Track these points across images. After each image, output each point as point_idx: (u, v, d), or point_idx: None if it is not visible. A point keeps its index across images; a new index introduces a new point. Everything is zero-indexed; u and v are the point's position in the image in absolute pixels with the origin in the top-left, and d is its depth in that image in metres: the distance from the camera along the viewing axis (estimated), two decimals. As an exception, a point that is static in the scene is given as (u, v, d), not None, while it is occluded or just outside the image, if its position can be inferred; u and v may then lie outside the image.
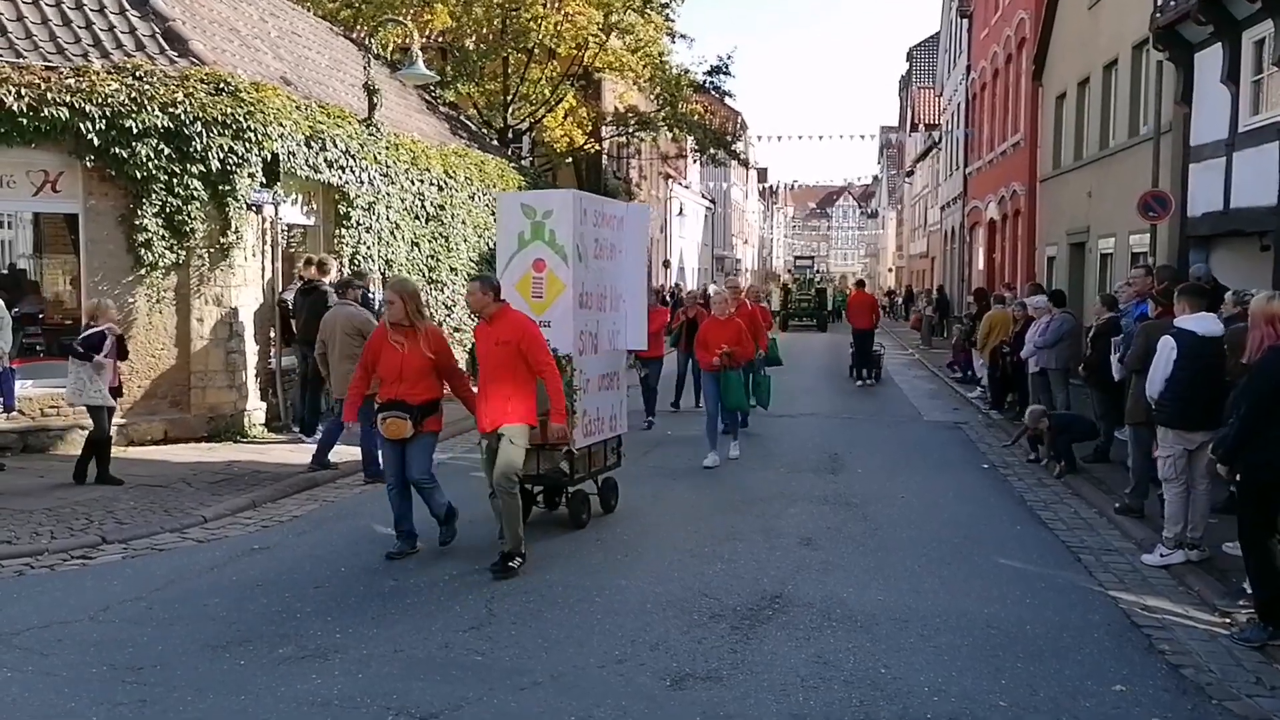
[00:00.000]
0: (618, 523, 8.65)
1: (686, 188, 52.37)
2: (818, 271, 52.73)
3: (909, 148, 60.35)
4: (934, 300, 34.96)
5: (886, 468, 11.45)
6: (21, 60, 10.79)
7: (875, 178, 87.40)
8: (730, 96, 35.11)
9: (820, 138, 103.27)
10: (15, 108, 10.38)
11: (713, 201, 61.34)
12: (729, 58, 31.99)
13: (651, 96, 29.70)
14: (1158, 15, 14.38)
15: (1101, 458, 11.19)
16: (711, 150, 32.19)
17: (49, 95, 10.55)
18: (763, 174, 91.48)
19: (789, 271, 57.40)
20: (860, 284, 28.02)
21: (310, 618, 6.16)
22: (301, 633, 5.91)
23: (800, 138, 78.65)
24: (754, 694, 5.14)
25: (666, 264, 46.05)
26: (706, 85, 31.45)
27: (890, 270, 76.00)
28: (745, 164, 47.92)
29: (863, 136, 68.81)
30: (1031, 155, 24.63)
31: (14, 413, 10.47)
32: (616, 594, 6.72)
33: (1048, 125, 23.04)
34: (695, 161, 43.21)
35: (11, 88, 10.41)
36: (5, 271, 11.93)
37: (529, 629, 6.04)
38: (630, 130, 30.31)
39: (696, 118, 29.99)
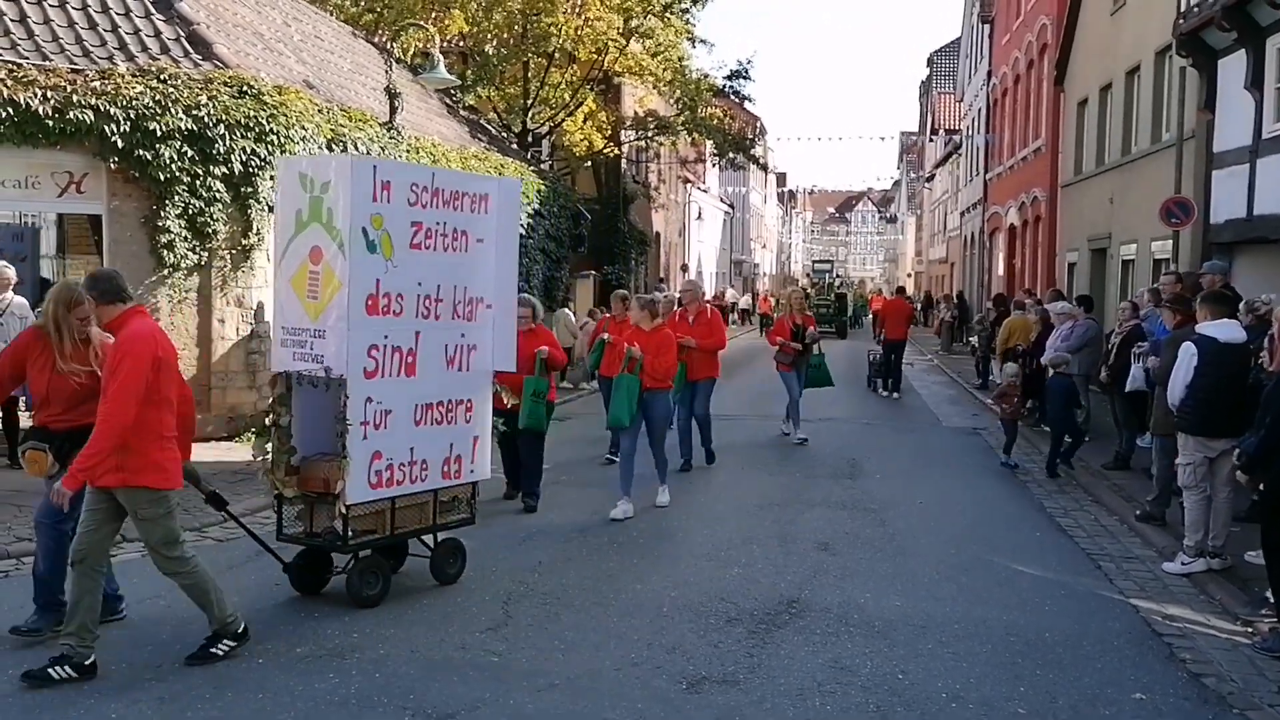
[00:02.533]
0: (634, 527, 8.64)
1: (705, 192, 52.37)
2: (837, 276, 52.57)
3: (929, 153, 60.16)
4: (954, 306, 34.82)
5: (905, 473, 11.40)
6: (48, 63, 10.88)
7: (895, 182, 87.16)
8: (750, 101, 35.15)
9: (840, 139, 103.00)
10: (41, 110, 10.46)
11: (731, 206, 61.30)
12: (749, 62, 32.03)
13: (671, 101, 29.71)
14: (1181, 21, 14.30)
15: (1122, 465, 11.11)
16: (730, 154, 32.16)
17: (74, 98, 10.62)
18: (781, 178, 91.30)
19: (808, 276, 57.27)
20: (900, 290, 27.49)
21: (327, 617, 6.19)
22: (319, 632, 5.94)
23: (820, 139, 78.22)
24: (770, 698, 5.13)
25: (685, 268, 46.04)
26: (726, 90, 31.45)
27: (909, 275, 75.74)
28: (764, 168, 47.87)
29: (882, 139, 68.89)
30: (1053, 161, 24.50)
31: (37, 411, 10.55)
32: (633, 597, 6.72)
33: (1069, 131, 22.93)
34: (714, 165, 43.20)
35: (38, 90, 10.49)
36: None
37: (545, 631, 6.05)
38: (650, 134, 30.33)
39: (716, 122, 30.00)
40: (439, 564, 6.92)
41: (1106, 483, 10.56)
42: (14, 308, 9.88)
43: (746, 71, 31.34)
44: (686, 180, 46.70)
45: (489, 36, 24.21)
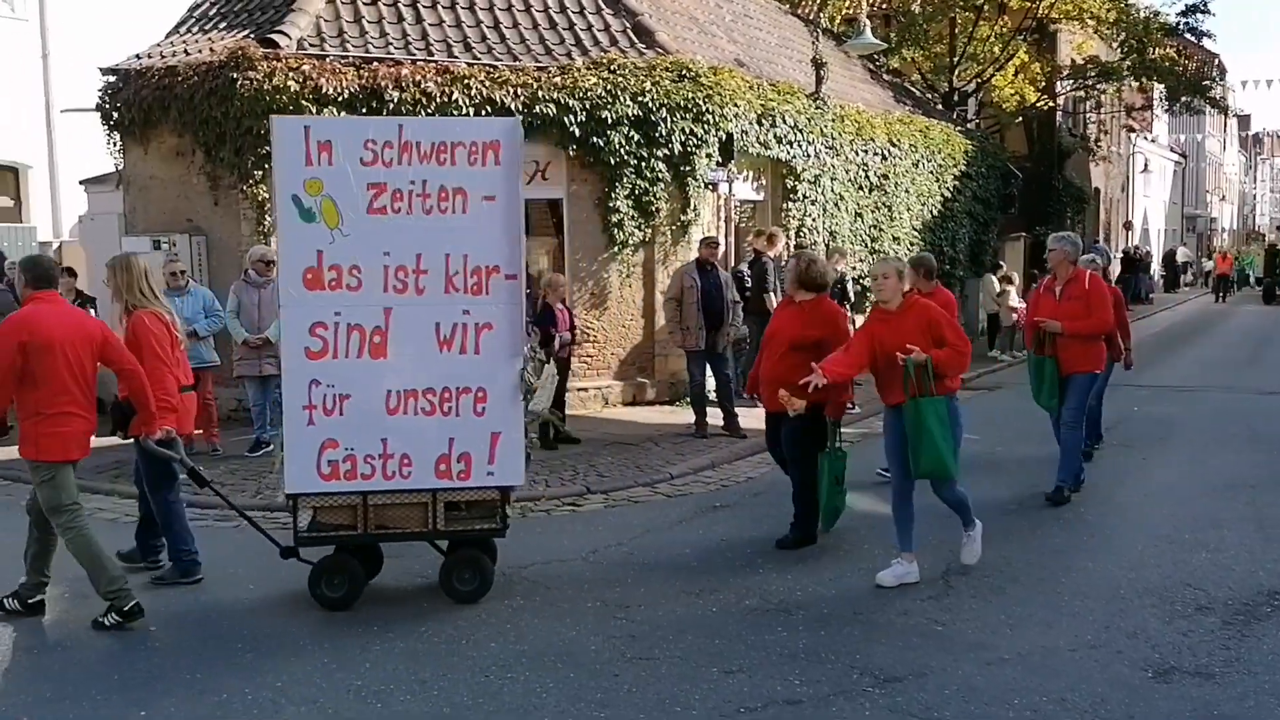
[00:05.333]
0: (1081, 503, 8.15)
1: (1152, 141, 47.71)
2: (1317, 230, 45.59)
3: None
4: None
5: None
6: (518, 63, 12.12)
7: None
8: (1209, 37, 31.40)
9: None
10: (513, 107, 11.61)
11: (1183, 155, 55.38)
12: (1209, -8, 28.47)
13: (1115, 44, 27.38)
14: None
15: None
16: (1184, 99, 29.11)
17: (539, 93, 11.74)
18: (1244, 121, 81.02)
19: (1278, 229, 50.38)
20: None
21: (770, 574, 6.47)
22: (764, 587, 6.22)
23: (1295, 75, 67.15)
24: (1254, 695, 4.68)
25: (1128, 226, 42.33)
26: (1180, 27, 28.38)
27: None
28: (1224, 111, 42.62)
29: (1378, 69, 58.34)
30: None
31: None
32: (1084, 576, 6.39)
33: None
34: (1165, 112, 39.17)
35: (510, 89, 11.69)
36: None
37: (990, 604, 5.93)
38: (1089, 83, 28.17)
39: (1167, 64, 27.25)
40: (447, 577, 6.01)
41: None
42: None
43: (1205, 4, 28.08)
44: (1131, 130, 42.80)
45: (914, -5, 23.67)
